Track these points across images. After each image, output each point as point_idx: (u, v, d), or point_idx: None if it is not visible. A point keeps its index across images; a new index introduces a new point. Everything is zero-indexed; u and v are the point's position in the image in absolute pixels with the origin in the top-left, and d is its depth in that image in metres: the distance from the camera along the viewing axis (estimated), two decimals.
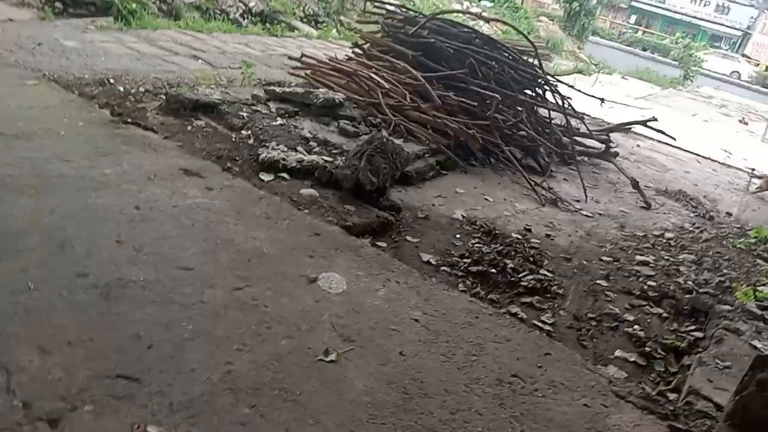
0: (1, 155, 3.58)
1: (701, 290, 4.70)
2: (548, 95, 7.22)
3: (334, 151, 5.35)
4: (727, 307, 4.45)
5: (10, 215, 3.00)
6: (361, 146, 4.86)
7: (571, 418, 2.66)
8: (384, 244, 4.27)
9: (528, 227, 5.12)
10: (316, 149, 5.32)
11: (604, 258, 4.91)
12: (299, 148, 5.20)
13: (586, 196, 6.21)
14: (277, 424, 2.16)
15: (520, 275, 4.30)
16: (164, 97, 5.50)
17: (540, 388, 2.81)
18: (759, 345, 3.96)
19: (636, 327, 4.07)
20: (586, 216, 5.77)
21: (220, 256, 3.16)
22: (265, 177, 4.60)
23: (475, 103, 6.36)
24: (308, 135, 5.49)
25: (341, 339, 2.76)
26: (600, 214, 5.89)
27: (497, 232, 4.86)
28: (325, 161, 4.96)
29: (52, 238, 2.91)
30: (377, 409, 2.39)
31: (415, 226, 4.70)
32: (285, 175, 4.70)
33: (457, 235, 4.69)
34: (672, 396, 3.37)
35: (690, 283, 4.79)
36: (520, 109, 6.88)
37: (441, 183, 5.64)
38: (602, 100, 7.47)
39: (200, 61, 7.43)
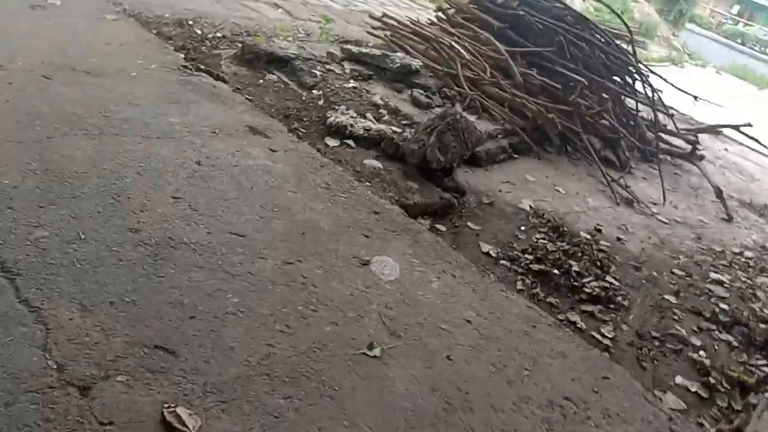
0: (71, 92, 3.55)
1: None
2: (638, 85, 6.71)
3: (404, 122, 5.13)
4: None
5: (70, 156, 2.97)
6: (432, 121, 4.63)
7: None
8: (443, 228, 4.08)
9: (599, 227, 4.81)
10: (386, 117, 5.12)
11: (676, 271, 4.57)
12: (369, 114, 5.01)
13: (665, 200, 5.79)
14: (311, 421, 2.05)
15: (584, 280, 4.03)
16: (240, 45, 5.38)
17: (593, 416, 2.61)
18: None
19: (701, 353, 3.77)
20: (662, 222, 5.38)
21: (274, 225, 3.05)
22: (331, 142, 4.46)
23: (559, 86, 5.96)
24: (379, 102, 5.28)
25: (388, 333, 2.61)
26: (677, 221, 5.49)
27: (565, 229, 4.58)
28: (394, 132, 4.76)
29: (109, 186, 2.86)
30: (417, 417, 2.25)
31: (479, 211, 4.48)
32: (351, 142, 4.54)
33: (522, 227, 4.44)
34: None
35: (766, 311, 4.41)
36: (606, 96, 6.43)
37: (511, 167, 5.36)
38: (695, 97, 6.89)
39: (280, 10, 7.28)
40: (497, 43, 6.23)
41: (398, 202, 3.97)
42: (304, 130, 4.40)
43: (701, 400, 3.40)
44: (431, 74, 6.12)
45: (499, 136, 5.57)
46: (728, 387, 3.57)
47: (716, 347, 3.91)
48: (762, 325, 4.23)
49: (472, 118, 5.55)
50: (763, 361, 3.93)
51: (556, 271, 4.02)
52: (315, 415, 2.07)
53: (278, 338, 2.33)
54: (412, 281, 3.01)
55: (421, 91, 5.70)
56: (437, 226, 4.08)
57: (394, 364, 2.45)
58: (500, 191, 4.85)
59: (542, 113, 5.73)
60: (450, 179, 4.61)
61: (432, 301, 2.91)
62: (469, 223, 4.25)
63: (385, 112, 5.20)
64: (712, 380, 3.55)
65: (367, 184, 3.99)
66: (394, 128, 4.89)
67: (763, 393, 3.53)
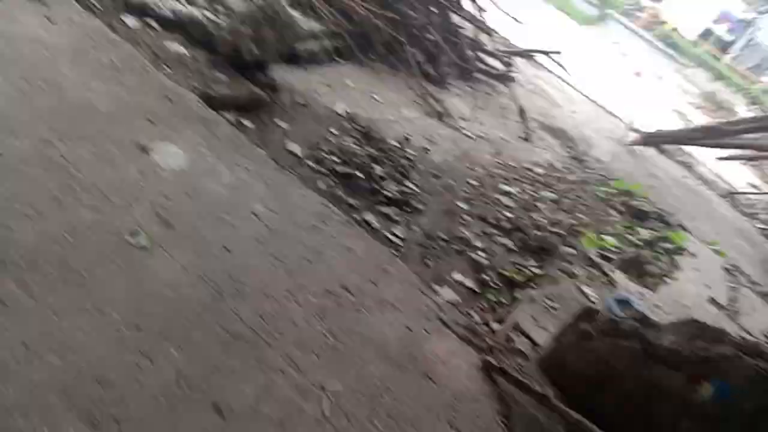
0: None
1: (552, 229, 4.85)
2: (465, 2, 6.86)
3: (222, 10, 4.74)
4: (571, 250, 4.64)
5: None
6: (251, 11, 4.33)
7: (390, 339, 2.63)
8: (250, 124, 3.92)
9: (408, 136, 4.95)
10: (202, 2, 4.68)
11: (471, 181, 4.89)
12: None
13: (473, 117, 6.11)
14: (47, 307, 1.89)
15: (385, 183, 4.17)
16: None
17: (367, 305, 2.74)
18: (588, 292, 4.17)
19: (481, 254, 4.13)
20: (467, 136, 5.69)
21: (38, 102, 2.68)
22: (129, 20, 3.99)
23: None
24: None
25: (160, 222, 2.47)
26: (481, 137, 5.84)
27: (375, 135, 4.64)
28: (207, 18, 4.39)
29: None
30: (178, 306, 2.18)
31: (291, 111, 4.36)
32: (154, 23, 4.10)
33: (333, 130, 4.42)
34: (495, 326, 3.48)
35: (544, 221, 4.92)
36: (434, 10, 6.50)
37: (332, 70, 5.25)
38: (517, 20, 7.24)
39: None
40: None
41: (200, 91, 3.70)
42: (99, 5, 3.88)
43: (474, 294, 3.75)
44: None
45: (323, 36, 5.39)
46: (499, 284, 3.97)
47: (495, 250, 4.30)
48: (537, 232, 4.72)
49: (296, 14, 5.30)
50: (534, 263, 4.41)
51: (359, 174, 4.10)
52: (54, 302, 1.91)
53: (21, 222, 2.09)
54: (199, 172, 2.86)
55: None
56: (243, 121, 3.91)
57: (162, 254, 2.33)
58: (317, 92, 4.75)
59: (370, 19, 5.64)
60: (264, 74, 4.40)
61: (219, 193, 2.80)
62: (278, 121, 4.13)
63: None
64: (486, 277, 3.92)
65: (167, 69, 3.66)
66: (209, 15, 4.50)
67: (529, 290, 3.98)
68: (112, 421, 1.76)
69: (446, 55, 6.59)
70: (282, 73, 4.66)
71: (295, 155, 3.93)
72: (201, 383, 1.99)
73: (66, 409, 1.72)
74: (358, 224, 3.54)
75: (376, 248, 3.17)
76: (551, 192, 5.53)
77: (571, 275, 4.30)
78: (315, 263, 2.78)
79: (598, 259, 4.60)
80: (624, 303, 3.09)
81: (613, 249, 5.03)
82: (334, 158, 4.10)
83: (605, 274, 4.52)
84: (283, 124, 4.14)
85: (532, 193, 5.32)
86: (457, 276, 3.81)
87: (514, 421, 2.62)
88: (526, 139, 6.47)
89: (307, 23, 5.34)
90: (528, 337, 3.30)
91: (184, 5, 4.47)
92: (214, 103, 3.74)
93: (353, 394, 2.29)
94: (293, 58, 4.93)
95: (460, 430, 2.40)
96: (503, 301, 3.84)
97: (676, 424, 2.77)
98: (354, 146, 4.37)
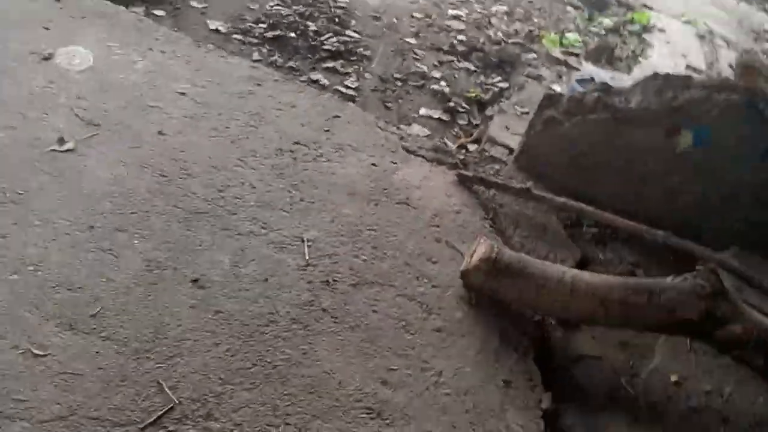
0: None
1: (510, 41, 4.62)
2: None
3: None
4: (533, 55, 4.44)
5: None
6: None
7: (356, 178, 2.54)
8: (162, 13, 3.62)
9: None
10: None
11: (416, 14, 4.59)
12: None
13: None
14: None
15: (323, 38, 3.91)
16: None
17: (325, 152, 2.62)
18: (558, 89, 4.01)
19: (442, 83, 3.95)
20: None
21: None
22: None
23: None
24: None
25: (82, 124, 2.31)
26: None
27: None
28: None
29: None
30: (125, 198, 2.08)
31: None
32: None
33: None
34: (472, 147, 3.39)
35: (500, 34, 4.68)
36: None
37: None
38: None
39: None
40: None
41: None
42: None
43: (444, 123, 3.62)
44: None
45: None
46: (467, 107, 3.83)
47: (456, 76, 4.10)
48: (495, 47, 4.50)
49: None
50: (498, 78, 4.23)
51: (292, 35, 3.84)
52: None
53: None
54: (109, 66, 2.64)
55: None
56: (155, 12, 3.60)
57: (93, 153, 2.19)
58: None
59: None
60: None
61: (136, 82, 2.60)
62: (192, 2, 3.81)
63: None
64: (452, 104, 3.77)
65: None
66: None
67: (498, 104, 3.84)
68: (91, 319, 1.71)
69: None
70: None
71: (219, 32, 3.65)
72: (172, 264, 1.92)
73: (42, 321, 1.67)
74: (307, 84, 3.35)
75: (323, 98, 3.00)
76: (502, 5, 5.22)
77: (538, 78, 4.13)
78: (259, 126, 2.63)
79: (563, 57, 4.40)
80: (587, 81, 2.96)
81: (578, 45, 4.81)
82: (262, 26, 3.82)
83: (575, 68, 4.34)
84: (198, 4, 3.82)
85: (481, 11, 5.01)
86: (423, 111, 3.66)
87: (501, 221, 2.59)
88: None
89: None
90: (502, 145, 3.21)
91: None
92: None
93: (332, 236, 2.23)
94: None
95: (447, 242, 2.37)
96: (474, 122, 3.73)
97: (665, 183, 2.74)
98: (280, 7, 4.06)
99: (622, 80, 3.79)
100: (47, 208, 1.95)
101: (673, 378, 2.13)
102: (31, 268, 1.78)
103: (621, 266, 2.56)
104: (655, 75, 2.65)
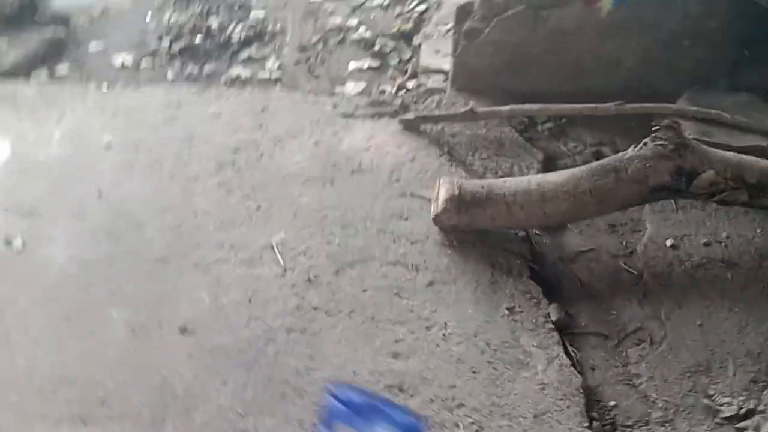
0: None
1: None
2: None
3: None
4: None
5: None
6: None
7: (304, 164, 2.49)
8: (65, 69, 3.49)
9: None
10: None
11: None
12: None
13: None
14: None
15: (229, 31, 3.78)
16: None
17: (265, 150, 2.57)
18: None
19: (362, 29, 3.82)
20: None
21: None
22: None
23: None
24: None
25: (22, 217, 2.26)
26: None
27: None
28: None
29: None
30: (89, 273, 2.05)
31: (95, 27, 3.86)
32: None
33: (149, 16, 3.93)
34: (411, 84, 3.30)
35: None
36: None
37: None
38: None
39: None
40: None
41: None
42: None
43: (377, 71, 3.52)
44: None
45: None
46: (394, 44, 3.72)
47: (372, 17, 3.97)
48: None
49: None
50: (414, 2, 4.08)
51: (198, 40, 3.71)
52: None
53: None
54: (28, 149, 2.56)
55: None
56: (57, 69, 3.48)
57: (43, 242, 2.15)
58: None
59: None
60: (41, 13, 3.84)
61: (59, 154, 2.54)
62: (90, 47, 3.68)
63: None
64: (378, 48, 3.66)
65: None
66: None
67: (422, 30, 3.72)
68: (100, 407, 1.71)
69: None
70: (60, 2, 4.05)
71: (127, 66, 3.53)
72: (155, 319, 1.91)
73: (54, 428, 1.67)
74: (228, 85, 3.26)
75: (245, 95, 2.92)
76: None
77: None
78: (192, 148, 2.56)
79: None
80: None
81: None
82: (165, 41, 3.69)
83: None
84: (97, 46, 3.68)
85: None
86: (352, 65, 3.55)
87: (457, 151, 2.54)
88: None
89: None
90: (437, 71, 3.13)
91: None
92: (13, 73, 3.30)
93: (299, 232, 2.20)
94: None
95: (411, 194, 2.34)
96: (405, 58, 3.62)
97: (603, 54, 2.67)
98: (177, 16, 3.90)
99: None
100: (20, 314, 1.93)
101: (669, 242, 2.13)
102: (25, 379, 1.77)
103: (586, 151, 2.53)
104: None
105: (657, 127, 2.00)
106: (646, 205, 2.19)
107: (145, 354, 1.83)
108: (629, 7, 2.54)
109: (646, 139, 1.99)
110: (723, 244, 2.11)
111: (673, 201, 2.22)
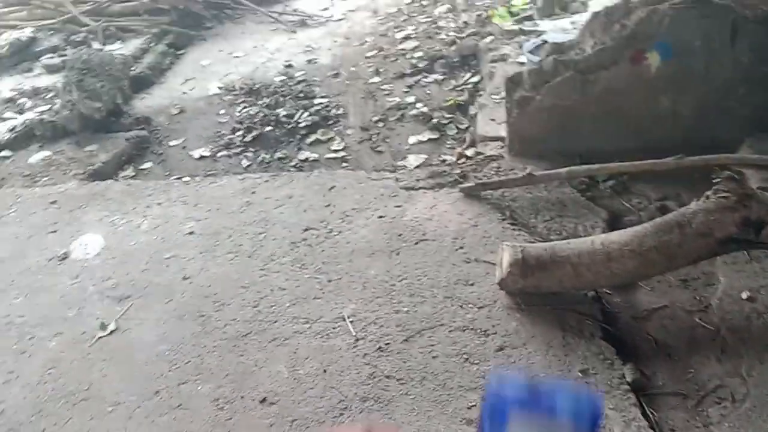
0: None
1: (464, 35, 4.66)
2: None
3: (50, 96, 4.57)
4: (490, 38, 4.47)
5: None
6: (65, 76, 4.16)
7: (371, 237, 2.60)
8: (149, 165, 3.84)
9: (288, 63, 4.77)
10: (29, 104, 4.53)
11: (368, 54, 4.72)
12: (6, 114, 4.39)
13: (331, 3, 5.83)
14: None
15: (296, 118, 4.05)
16: None
17: (334, 226, 2.70)
18: (524, 59, 4.00)
19: (419, 105, 4.01)
20: (339, 20, 5.45)
21: None
22: None
23: None
24: (9, 94, 4.63)
25: (116, 302, 2.46)
26: (352, 11, 5.58)
27: (259, 85, 4.49)
28: (42, 113, 4.25)
29: None
30: (176, 352, 2.20)
31: (174, 125, 4.24)
32: (5, 152, 3.99)
33: (221, 111, 4.29)
34: (471, 152, 3.40)
35: (452, 33, 4.74)
36: None
37: (182, 64, 5.05)
38: None
39: None
40: None
41: (84, 174, 3.61)
42: None
43: (436, 142, 3.68)
44: (51, 32, 5.41)
45: (152, 44, 5.15)
46: (451, 116, 3.87)
47: (428, 92, 4.17)
48: (452, 47, 4.55)
49: (114, 46, 5.08)
50: (467, 76, 4.27)
51: (269, 128, 3.99)
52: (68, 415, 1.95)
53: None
54: (119, 239, 2.81)
55: (50, 55, 5.06)
56: (142, 167, 3.82)
57: (134, 324, 2.33)
58: (185, 93, 4.60)
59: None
60: (126, 116, 4.27)
61: (147, 241, 2.77)
62: (170, 143, 4.03)
63: (25, 99, 4.58)
64: (435, 120, 3.82)
65: (44, 179, 3.57)
66: (42, 108, 4.36)
67: (476, 101, 3.86)
68: None
69: None
70: (143, 102, 4.50)
71: (205, 157, 3.84)
72: (238, 393, 2.01)
73: None
74: (297, 170, 3.48)
75: (313, 177, 3.11)
76: (442, 4, 5.29)
77: (503, 58, 4.14)
78: (267, 230, 2.74)
79: (516, 27, 4.41)
80: (539, 47, 2.97)
81: (526, 7, 4.82)
82: (239, 134, 3.99)
83: (533, 31, 4.33)
84: (176, 141, 4.03)
85: (426, 20, 5.10)
86: (412, 139, 3.72)
87: (519, 215, 2.59)
88: None
89: (131, 45, 5.13)
90: (494, 138, 3.22)
91: (15, 117, 4.33)
92: (102, 174, 3.63)
93: (369, 303, 2.29)
94: (142, 82, 4.71)
95: (476, 259, 2.39)
96: (462, 127, 3.76)
97: (657, 109, 2.70)
98: (248, 109, 4.23)
99: (578, 25, 3.77)
100: (113, 392, 2.08)
101: (745, 295, 2.06)
102: None
103: (651, 206, 2.52)
104: (595, 14, 2.65)
105: (718, 180, 1.99)
106: (718, 258, 2.15)
107: (229, 425, 1.92)
108: (679, 60, 2.58)
109: (707, 192, 1.98)
110: None
111: (745, 252, 2.16)
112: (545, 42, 3.13)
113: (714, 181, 1.98)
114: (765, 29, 2.45)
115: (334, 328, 2.20)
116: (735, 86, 2.59)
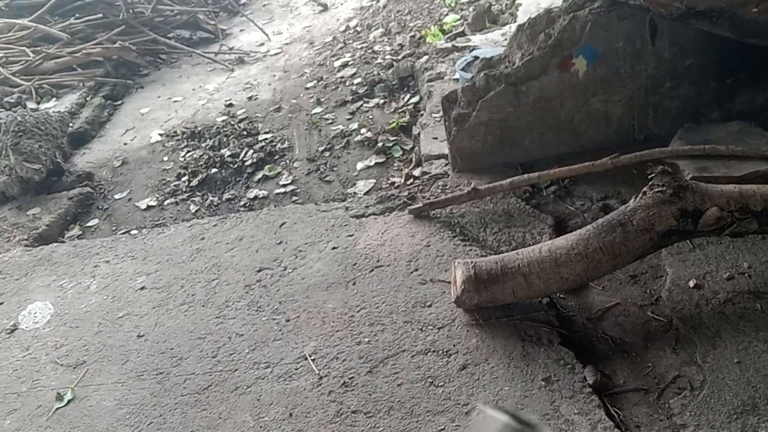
0: None
1: (400, 57, 4.72)
2: None
3: None
4: (425, 58, 4.53)
5: None
6: (0, 141, 4.04)
7: (325, 270, 2.58)
8: (95, 222, 3.74)
9: (228, 102, 4.75)
10: None
11: (308, 85, 4.73)
12: None
13: (267, 35, 5.84)
14: None
15: (242, 156, 4.03)
16: None
17: (287, 264, 2.68)
18: (458, 76, 4.07)
19: (363, 131, 4.03)
20: (276, 54, 5.46)
21: None
22: None
23: (100, 15, 5.49)
24: None
25: (71, 369, 2.38)
26: (287, 44, 5.60)
27: (200, 127, 4.45)
28: None
29: None
30: (137, 414, 2.13)
31: (118, 178, 4.16)
32: None
33: (165, 158, 4.23)
34: (417, 171, 3.43)
35: (388, 57, 4.79)
36: None
37: (121, 115, 4.97)
38: None
39: None
40: (16, 20, 5.47)
41: (27, 240, 3.50)
42: None
43: (383, 166, 3.69)
44: None
45: (88, 97, 5.06)
46: (395, 138, 3.90)
47: (371, 117, 4.20)
48: (389, 70, 4.60)
49: (48, 105, 4.98)
50: (407, 97, 4.32)
51: (215, 170, 3.95)
52: None
53: None
54: (68, 304, 2.73)
55: None
56: (88, 225, 3.73)
57: (92, 390, 2.25)
58: (125, 144, 4.52)
59: (109, 49, 5.29)
60: (67, 174, 4.17)
61: (98, 303, 2.69)
62: (116, 196, 3.95)
63: None
64: (380, 144, 3.84)
65: None
66: None
67: (418, 120, 3.90)
68: None
69: (201, 11, 6.23)
70: (83, 158, 4.41)
71: (152, 207, 3.77)
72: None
73: None
74: (247, 209, 3.45)
75: (262, 215, 3.08)
76: (376, 28, 5.35)
77: (441, 76, 4.20)
78: (220, 275, 2.70)
79: (449, 45, 4.49)
80: (470, 65, 3.03)
81: (457, 23, 4.92)
82: (183, 179, 3.94)
83: (466, 47, 4.41)
84: (121, 194, 3.95)
85: (362, 45, 5.15)
86: (360, 165, 3.73)
87: (468, 230, 2.62)
88: (325, 9, 6.21)
89: (66, 101, 5.03)
90: (438, 156, 3.26)
91: None
92: (48, 238, 3.52)
93: (330, 338, 2.26)
94: (80, 138, 4.61)
95: (431, 280, 2.40)
96: (407, 148, 3.79)
97: (590, 111, 2.77)
98: (191, 153, 4.19)
99: (508, 36, 3.86)
100: None
101: (692, 283, 2.12)
102: None
103: (594, 206, 2.57)
104: (520, 27, 2.72)
105: (653, 174, 2.05)
106: (663, 250, 2.20)
107: None
108: (604, 62, 2.66)
109: (644, 188, 2.04)
110: (746, 275, 2.09)
111: (688, 241, 2.22)
112: (476, 58, 3.19)
113: (649, 176, 2.03)
114: (681, 24, 2.55)
115: (296, 369, 2.17)
116: (661, 81, 2.69)
